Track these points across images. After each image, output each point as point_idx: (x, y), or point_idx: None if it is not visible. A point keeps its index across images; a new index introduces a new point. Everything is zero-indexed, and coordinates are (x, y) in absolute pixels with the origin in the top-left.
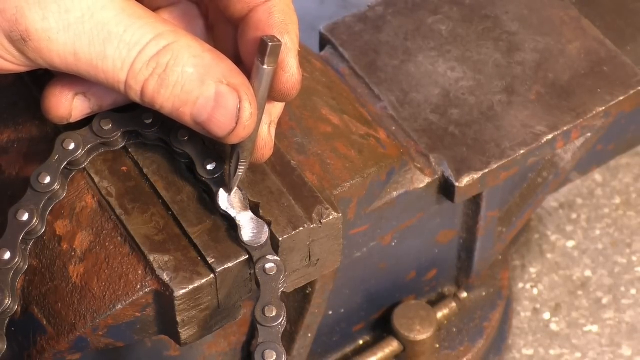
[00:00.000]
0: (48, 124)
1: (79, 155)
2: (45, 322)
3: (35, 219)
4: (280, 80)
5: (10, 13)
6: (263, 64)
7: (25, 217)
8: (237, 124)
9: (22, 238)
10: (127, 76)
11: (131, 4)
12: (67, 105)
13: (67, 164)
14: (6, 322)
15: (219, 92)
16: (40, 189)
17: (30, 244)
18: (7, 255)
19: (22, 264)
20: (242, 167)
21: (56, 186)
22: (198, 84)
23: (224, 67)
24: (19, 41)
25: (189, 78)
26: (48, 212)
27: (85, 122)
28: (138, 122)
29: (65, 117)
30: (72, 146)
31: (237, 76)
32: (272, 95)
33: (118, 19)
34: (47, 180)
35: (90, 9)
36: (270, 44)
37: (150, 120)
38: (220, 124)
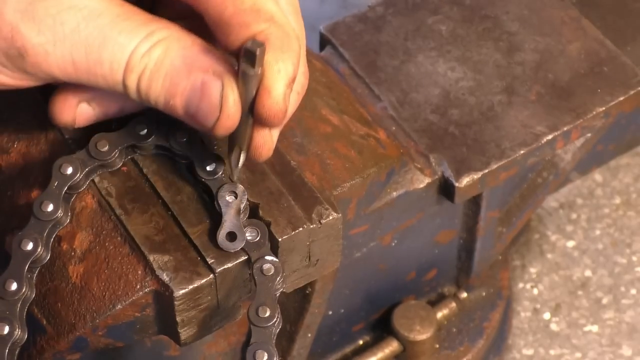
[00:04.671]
0: (48, 125)
1: (78, 179)
2: (44, 322)
3: (40, 247)
4: (262, 103)
5: (5, 31)
6: (240, 64)
7: (30, 246)
8: (220, 112)
9: (28, 267)
10: (123, 76)
11: (127, 8)
12: (70, 112)
13: (67, 188)
14: (17, 352)
15: (204, 81)
16: (44, 217)
17: (36, 272)
18: (14, 286)
19: (29, 293)
20: (241, 161)
21: (59, 213)
22: (185, 75)
23: (211, 56)
24: (17, 57)
25: (176, 69)
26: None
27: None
28: (133, 135)
29: (69, 123)
30: (69, 170)
31: (222, 65)
32: (255, 118)
33: (113, 23)
34: (50, 208)
35: (86, 19)
36: (244, 46)
37: (144, 131)
38: (206, 114)
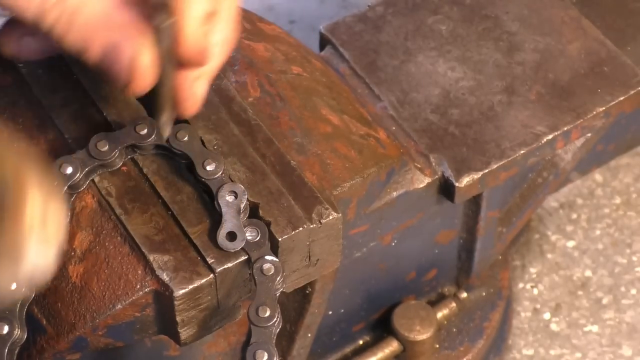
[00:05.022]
0: (48, 125)
1: (78, 179)
2: (44, 322)
3: None
4: (179, 41)
5: None
6: (152, 20)
7: None
8: (134, 74)
9: None
10: (42, 17)
11: None
12: (13, 44)
13: (67, 188)
14: (16, 352)
15: (116, 43)
16: None
17: None
18: (14, 286)
19: (29, 293)
20: (168, 116)
21: None
22: (101, 30)
23: (129, 12)
24: None
25: (93, 23)
26: None
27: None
28: (133, 135)
29: (14, 54)
30: (69, 170)
31: (135, 28)
32: (178, 62)
33: None
34: None
35: None
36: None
37: (144, 131)
38: (118, 76)
